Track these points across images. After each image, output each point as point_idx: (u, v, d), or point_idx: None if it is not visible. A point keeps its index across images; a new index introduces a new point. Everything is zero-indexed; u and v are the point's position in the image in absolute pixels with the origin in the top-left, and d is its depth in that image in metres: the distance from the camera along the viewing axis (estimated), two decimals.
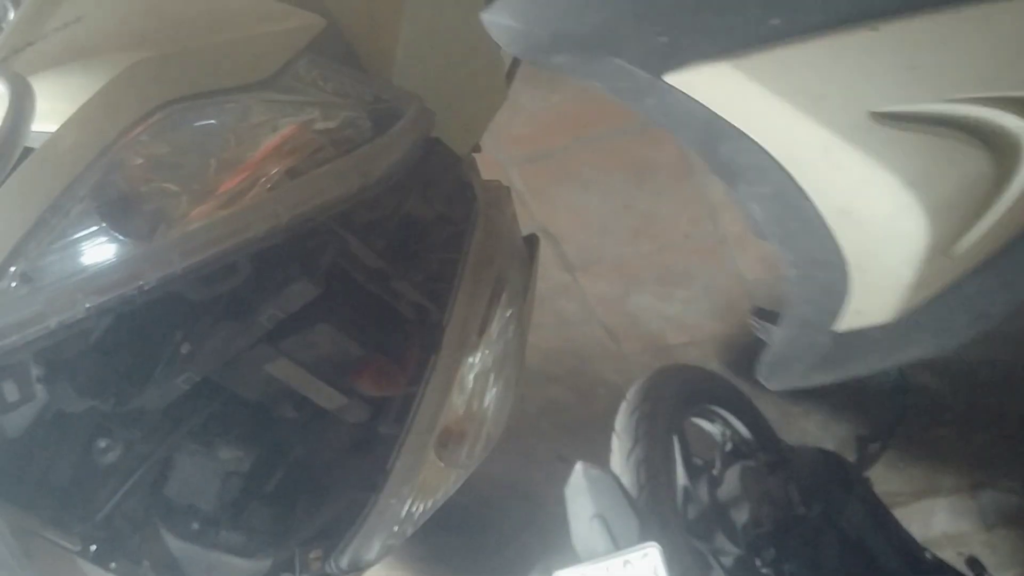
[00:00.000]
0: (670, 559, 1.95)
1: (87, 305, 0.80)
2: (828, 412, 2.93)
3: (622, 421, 2.40)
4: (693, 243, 2.53)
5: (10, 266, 0.79)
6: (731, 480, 2.41)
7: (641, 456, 2.31)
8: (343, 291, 1.02)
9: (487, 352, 1.07)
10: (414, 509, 1.07)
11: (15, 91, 0.85)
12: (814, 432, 2.98)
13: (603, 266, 2.69)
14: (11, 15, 1.23)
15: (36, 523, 0.96)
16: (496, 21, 0.80)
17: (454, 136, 1.03)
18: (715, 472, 2.46)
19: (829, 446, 2.73)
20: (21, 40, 0.98)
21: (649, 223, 2.52)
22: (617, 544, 2.08)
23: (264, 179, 0.86)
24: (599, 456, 2.35)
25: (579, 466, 2.26)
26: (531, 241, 1.19)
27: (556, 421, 3.19)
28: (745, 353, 2.81)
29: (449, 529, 3.22)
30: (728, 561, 2.32)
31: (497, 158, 2.38)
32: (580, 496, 2.22)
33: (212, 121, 0.85)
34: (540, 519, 3.20)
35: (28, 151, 0.85)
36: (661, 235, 2.54)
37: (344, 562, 1.05)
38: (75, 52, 0.93)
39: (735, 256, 2.54)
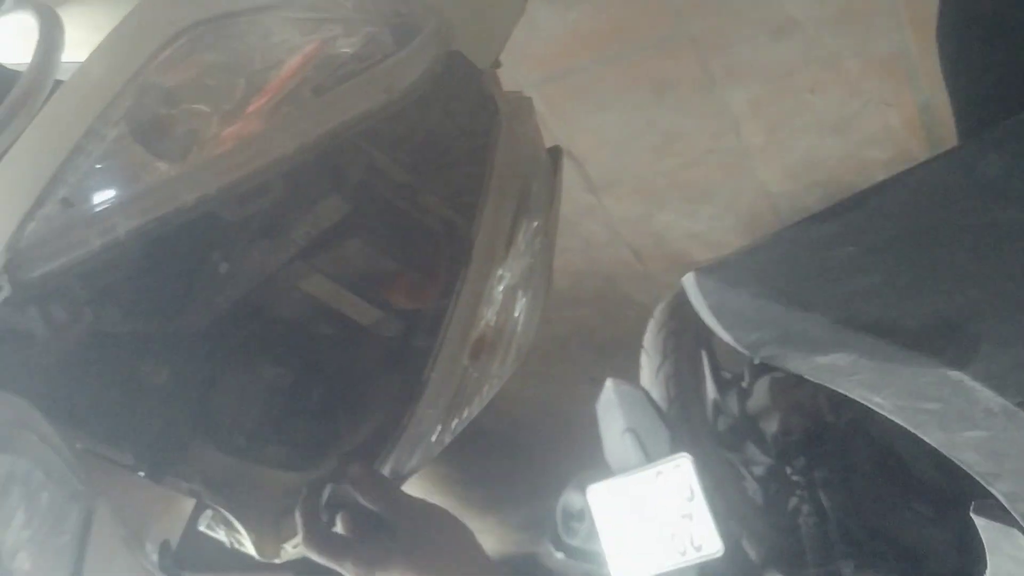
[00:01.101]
0: (701, 470, 1.99)
1: (127, 228, 0.82)
2: None
3: (650, 338, 2.43)
4: (716, 157, 2.52)
5: (52, 192, 0.81)
6: (760, 392, 2.44)
7: (670, 371, 2.34)
8: (372, 207, 1.04)
9: (515, 264, 1.09)
10: (450, 419, 1.10)
11: (44, 23, 0.87)
12: None
13: (626, 186, 2.69)
14: None
15: (90, 441, 1.00)
16: (730, 299, 0.58)
17: (474, 50, 1.03)
18: (744, 385, 2.49)
19: None
20: None
21: (671, 139, 2.51)
22: (649, 456, 2.13)
23: (291, 97, 0.87)
24: (628, 375, 2.38)
25: (609, 382, 2.29)
26: (555, 152, 1.19)
27: (585, 342, 3.23)
28: None
29: (484, 453, 3.29)
30: (759, 471, 2.36)
31: (516, 79, 2.37)
32: (611, 412, 2.26)
33: (237, 41, 0.86)
34: (572, 439, 3.25)
35: (58, 83, 0.87)
36: (684, 151, 2.54)
37: (385, 472, 1.09)
38: None
39: (759, 169, 2.53)
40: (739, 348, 0.69)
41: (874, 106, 2.37)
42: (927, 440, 0.59)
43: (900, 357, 0.55)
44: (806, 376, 0.66)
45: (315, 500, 1.04)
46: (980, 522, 0.93)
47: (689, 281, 0.62)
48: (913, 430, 0.59)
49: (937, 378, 0.52)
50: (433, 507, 1.07)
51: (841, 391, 0.65)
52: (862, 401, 0.63)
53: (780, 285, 0.62)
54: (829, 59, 2.28)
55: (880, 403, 0.60)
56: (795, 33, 2.23)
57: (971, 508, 0.94)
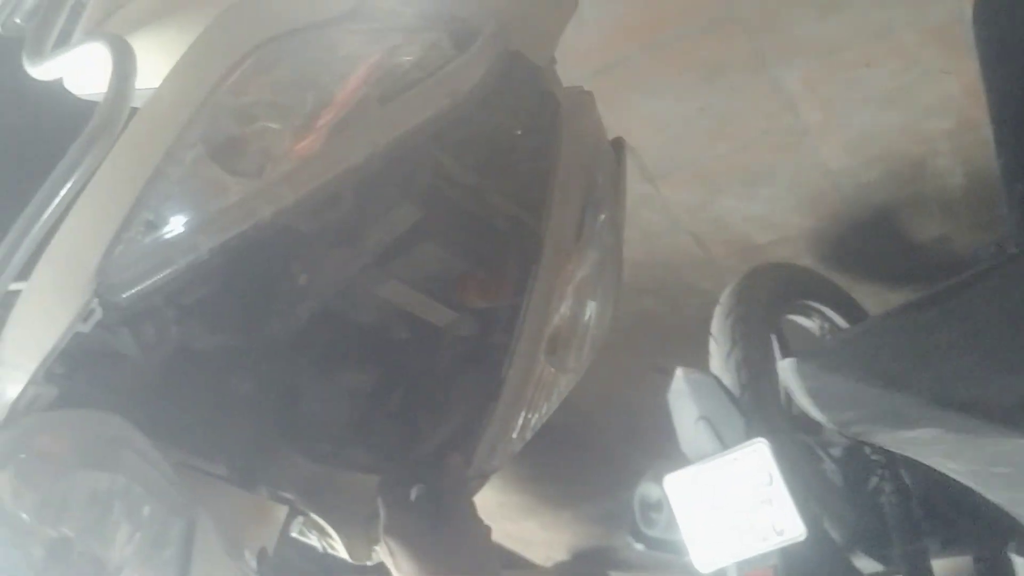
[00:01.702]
0: (779, 454, 1.97)
1: (210, 246, 0.84)
2: None
3: (718, 324, 2.41)
4: (773, 138, 2.50)
5: (136, 216, 0.83)
6: None
7: (740, 357, 2.32)
8: (442, 211, 1.05)
9: (585, 257, 1.09)
10: (530, 415, 1.11)
11: (117, 53, 0.89)
12: None
13: (683, 173, 2.67)
14: None
15: (184, 454, 1.03)
16: (827, 383, 0.65)
17: (531, 48, 1.04)
18: None
19: None
20: (113, 3, 1.02)
21: (726, 123, 2.49)
22: (724, 443, 2.11)
23: (358, 108, 0.88)
24: (697, 363, 2.37)
25: (680, 371, 2.28)
26: (618, 144, 1.20)
27: (650, 333, 3.21)
28: (836, 245, 2.78)
29: (554, 448, 3.29)
30: (837, 452, 2.33)
31: (565, 74, 2.37)
32: (683, 400, 2.25)
33: (303, 57, 0.88)
34: (642, 430, 3.25)
35: (134, 111, 0.89)
36: (739, 134, 2.52)
37: (470, 471, 1.10)
38: (167, 7, 0.97)
39: (817, 146, 2.50)
40: (830, 427, 0.74)
41: (932, 75, 2.33)
42: (990, 498, 0.68)
43: (983, 430, 0.61)
44: (887, 447, 0.73)
45: (396, 485, 1.06)
46: (1019, 561, 0.97)
47: (788, 366, 0.67)
48: (978, 489, 0.66)
49: (1014, 447, 0.60)
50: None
51: (917, 459, 0.71)
52: (935, 467, 0.68)
53: (879, 368, 0.70)
54: (882, 31, 2.25)
55: (954, 468, 0.67)
56: (845, 7, 2.20)
57: (1008, 548, 0.98)
